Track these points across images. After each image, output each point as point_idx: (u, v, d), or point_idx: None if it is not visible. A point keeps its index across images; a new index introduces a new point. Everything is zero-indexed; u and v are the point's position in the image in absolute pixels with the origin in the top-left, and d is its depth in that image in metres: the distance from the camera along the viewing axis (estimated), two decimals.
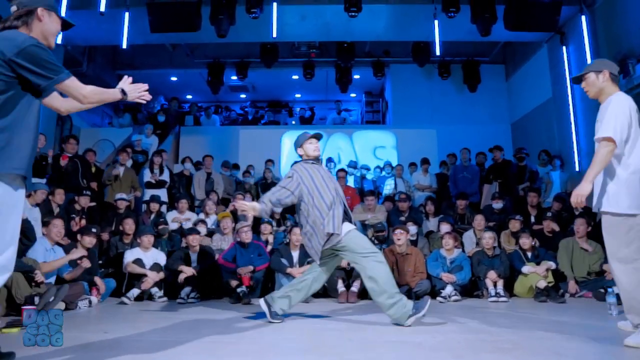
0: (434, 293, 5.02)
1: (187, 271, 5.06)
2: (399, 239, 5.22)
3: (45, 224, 4.77)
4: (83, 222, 5.93)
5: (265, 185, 8.33)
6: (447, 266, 5.20)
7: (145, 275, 5.02)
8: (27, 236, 4.17)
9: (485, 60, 10.82)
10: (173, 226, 6.52)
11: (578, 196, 2.67)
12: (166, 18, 7.68)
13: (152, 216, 6.63)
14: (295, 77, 12.09)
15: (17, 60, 1.91)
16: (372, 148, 10.98)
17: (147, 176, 7.40)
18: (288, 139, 10.95)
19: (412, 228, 5.86)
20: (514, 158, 8.30)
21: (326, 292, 5.20)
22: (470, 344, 2.71)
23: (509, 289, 5.15)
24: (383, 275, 3.31)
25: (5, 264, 1.96)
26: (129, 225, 5.73)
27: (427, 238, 6.32)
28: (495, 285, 5.00)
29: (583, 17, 7.81)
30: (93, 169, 7.12)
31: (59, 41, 2.32)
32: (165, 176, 7.53)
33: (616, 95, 2.76)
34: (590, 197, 2.76)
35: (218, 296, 5.27)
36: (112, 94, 2.23)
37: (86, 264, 4.64)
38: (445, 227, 5.79)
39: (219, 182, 7.93)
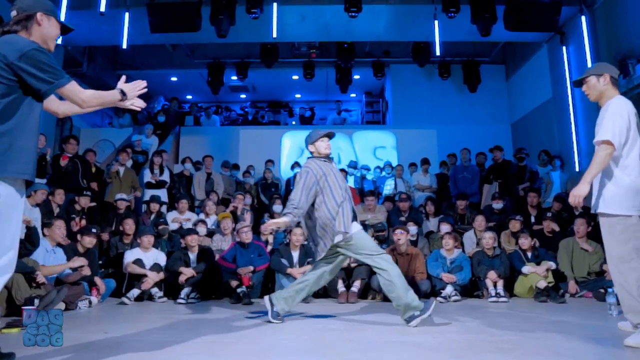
0: (434, 293, 5.02)
1: (187, 272, 5.07)
2: (399, 239, 5.22)
3: (47, 225, 4.73)
4: (83, 222, 5.93)
5: (265, 185, 8.33)
6: (447, 266, 5.20)
7: (145, 276, 5.02)
8: (32, 242, 4.20)
9: (485, 61, 10.82)
10: (173, 226, 6.52)
11: (576, 197, 2.73)
12: (166, 18, 7.69)
13: (152, 216, 6.63)
14: (295, 77, 12.09)
15: (19, 64, 1.92)
16: (372, 148, 10.99)
17: (147, 176, 7.40)
18: (288, 139, 10.96)
19: (413, 228, 5.86)
20: (514, 158, 8.31)
21: (326, 292, 5.20)
22: (470, 344, 2.71)
23: (509, 289, 5.15)
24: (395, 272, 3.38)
25: (6, 265, 1.98)
26: (129, 225, 5.73)
27: (427, 238, 6.32)
28: (495, 285, 5.00)
29: (583, 17, 7.81)
30: (93, 169, 7.12)
31: (58, 42, 2.32)
32: (166, 176, 7.53)
33: (615, 99, 2.81)
34: (589, 197, 2.80)
35: (218, 296, 5.26)
36: (111, 96, 2.23)
37: (86, 271, 4.62)
38: (446, 228, 5.79)
39: (219, 182, 7.93)
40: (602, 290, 4.68)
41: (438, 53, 8.54)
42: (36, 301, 3.72)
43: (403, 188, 8.20)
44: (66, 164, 6.56)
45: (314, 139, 3.68)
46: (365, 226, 6.62)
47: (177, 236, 6.17)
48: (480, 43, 9.86)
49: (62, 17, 7.13)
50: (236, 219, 6.43)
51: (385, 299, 4.86)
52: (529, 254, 5.34)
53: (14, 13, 2.09)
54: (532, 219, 6.62)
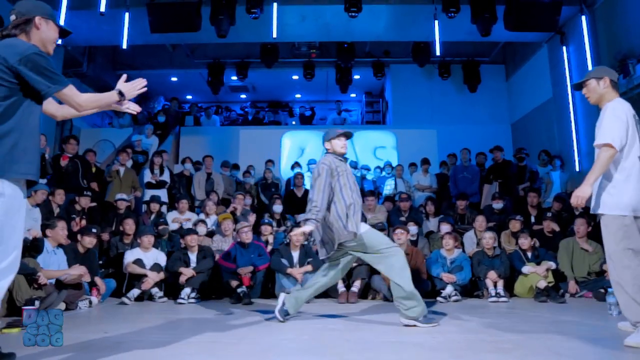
0: (435, 293, 5.02)
1: (187, 273, 5.06)
2: (399, 239, 5.22)
3: (49, 226, 4.69)
4: (83, 222, 5.93)
5: (265, 185, 8.33)
6: (448, 266, 5.20)
7: (145, 276, 5.02)
8: (36, 249, 4.21)
9: (485, 61, 10.83)
10: (173, 226, 6.52)
11: (578, 198, 2.76)
12: (166, 18, 7.69)
13: (153, 216, 6.64)
14: (295, 77, 12.09)
15: (19, 67, 1.96)
16: (372, 148, 10.99)
17: (148, 176, 7.40)
18: (288, 139, 10.95)
19: (413, 228, 5.86)
20: (514, 158, 8.31)
21: (326, 292, 5.18)
22: (470, 344, 2.72)
23: (509, 289, 5.15)
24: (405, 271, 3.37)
25: (11, 264, 2.00)
26: (129, 225, 5.73)
27: (427, 238, 6.32)
28: (495, 285, 5.00)
29: (583, 17, 7.81)
30: (93, 170, 7.12)
31: (58, 42, 2.33)
32: (166, 176, 7.54)
33: (614, 102, 2.85)
34: (590, 198, 2.84)
35: (218, 296, 5.27)
36: (107, 98, 2.25)
37: (87, 278, 4.61)
38: (446, 228, 5.79)
39: (219, 182, 7.93)
40: (602, 290, 4.68)
41: (438, 53, 8.53)
42: (37, 302, 3.72)
43: (403, 188, 8.20)
44: (66, 164, 6.56)
45: (331, 136, 3.66)
46: None
47: (177, 236, 6.17)
48: (480, 43, 9.86)
49: (62, 18, 7.14)
50: (236, 219, 6.43)
51: (386, 299, 4.87)
52: (529, 254, 5.34)
53: (12, 17, 2.11)
54: (532, 219, 6.62)
